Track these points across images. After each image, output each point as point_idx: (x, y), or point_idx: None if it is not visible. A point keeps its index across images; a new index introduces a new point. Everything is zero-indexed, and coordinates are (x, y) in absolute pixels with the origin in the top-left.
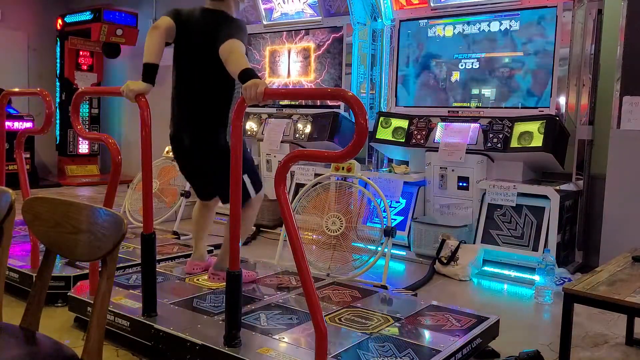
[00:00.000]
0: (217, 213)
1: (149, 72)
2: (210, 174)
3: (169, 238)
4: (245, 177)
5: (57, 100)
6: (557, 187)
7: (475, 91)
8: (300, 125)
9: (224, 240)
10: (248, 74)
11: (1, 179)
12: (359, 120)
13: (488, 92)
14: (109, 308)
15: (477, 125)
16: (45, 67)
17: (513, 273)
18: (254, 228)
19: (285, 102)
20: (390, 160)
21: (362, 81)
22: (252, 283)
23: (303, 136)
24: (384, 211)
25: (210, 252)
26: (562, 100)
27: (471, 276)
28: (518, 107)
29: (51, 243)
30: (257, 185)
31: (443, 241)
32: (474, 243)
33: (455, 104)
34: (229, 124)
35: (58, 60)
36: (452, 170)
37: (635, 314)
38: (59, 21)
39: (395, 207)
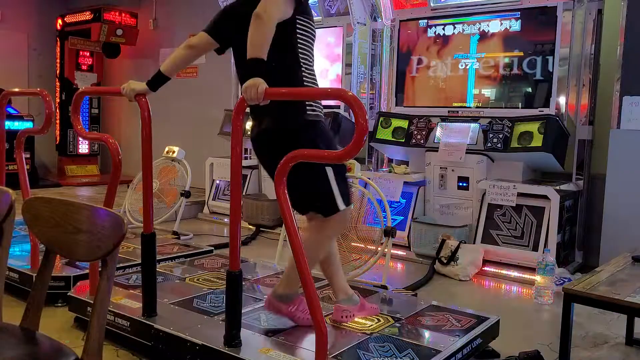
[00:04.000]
0: (216, 213)
1: (156, 79)
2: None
3: (169, 238)
4: (333, 181)
5: (57, 100)
6: (557, 187)
7: (475, 91)
8: None
9: (288, 268)
10: (255, 66)
11: (1, 179)
12: (359, 120)
13: (488, 92)
14: (109, 308)
15: (477, 125)
16: (45, 67)
17: (513, 273)
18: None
19: None
20: (390, 160)
21: (362, 81)
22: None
23: None
24: (384, 211)
25: (210, 252)
26: (562, 100)
27: (471, 276)
28: (518, 107)
29: (51, 243)
30: (347, 196)
31: (443, 241)
32: (474, 243)
33: (455, 104)
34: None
35: (58, 60)
36: (452, 170)
37: (635, 314)
38: (59, 21)
39: (395, 207)
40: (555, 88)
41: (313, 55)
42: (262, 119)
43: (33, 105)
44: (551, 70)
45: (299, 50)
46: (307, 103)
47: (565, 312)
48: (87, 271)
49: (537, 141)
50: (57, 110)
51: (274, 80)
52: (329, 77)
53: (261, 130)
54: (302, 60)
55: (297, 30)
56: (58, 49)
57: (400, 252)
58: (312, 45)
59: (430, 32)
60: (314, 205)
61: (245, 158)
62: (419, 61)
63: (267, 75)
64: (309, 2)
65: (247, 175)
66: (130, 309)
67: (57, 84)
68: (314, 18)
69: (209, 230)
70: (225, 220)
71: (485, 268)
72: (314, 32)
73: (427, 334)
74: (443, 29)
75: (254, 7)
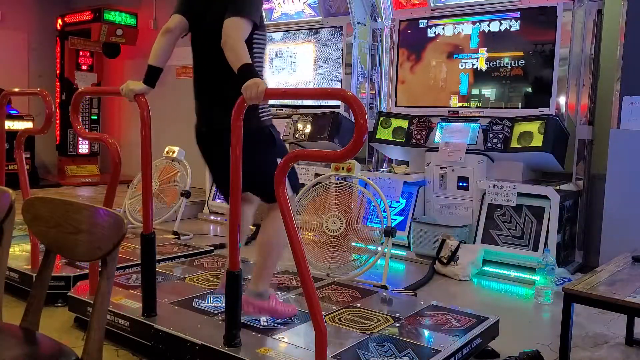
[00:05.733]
0: (216, 213)
1: (151, 75)
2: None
3: (169, 238)
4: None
5: (57, 100)
6: (557, 187)
7: (475, 91)
8: (300, 125)
9: (256, 261)
10: (247, 71)
11: (1, 179)
12: (359, 120)
13: (488, 92)
14: (109, 308)
15: (477, 125)
16: (45, 67)
17: (513, 273)
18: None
19: (285, 102)
20: (390, 160)
21: (362, 81)
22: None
23: (303, 136)
24: (384, 211)
25: (210, 252)
26: (562, 100)
27: (471, 276)
28: (518, 107)
29: (51, 243)
30: (294, 184)
31: (443, 241)
32: (474, 243)
33: (455, 104)
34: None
35: (58, 60)
36: (452, 170)
37: (635, 314)
38: (59, 21)
39: (395, 207)
40: (555, 88)
41: (264, 64)
42: (215, 119)
43: (33, 105)
44: (551, 70)
45: (255, 62)
46: (260, 109)
47: (565, 312)
48: (87, 271)
49: (537, 141)
50: (57, 110)
51: (234, 92)
52: None
53: (214, 130)
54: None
55: (254, 46)
56: (58, 49)
57: (400, 252)
58: (264, 55)
59: (430, 32)
60: (265, 192)
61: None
62: (419, 61)
63: (226, 86)
64: (309, 2)
65: None
66: (130, 309)
67: (57, 84)
68: (315, 18)
69: (209, 230)
70: (225, 220)
71: (485, 268)
72: (266, 44)
73: (427, 334)
74: (443, 28)
75: (219, 10)
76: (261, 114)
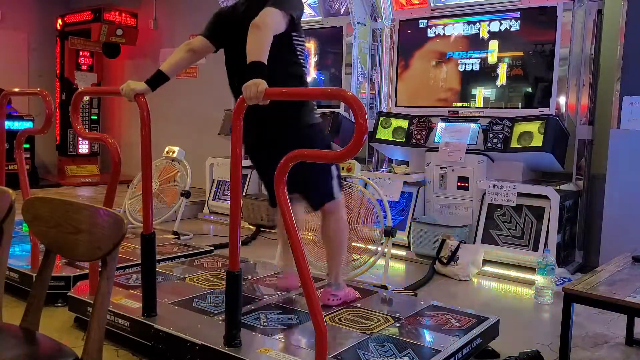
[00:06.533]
0: (216, 213)
1: (156, 78)
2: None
3: (169, 238)
4: (334, 169)
5: (57, 100)
6: (557, 187)
7: (475, 91)
8: None
9: (327, 256)
10: (257, 69)
11: (1, 179)
12: (359, 120)
13: (488, 92)
14: (109, 308)
15: (477, 125)
16: (45, 67)
17: (513, 273)
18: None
19: None
20: (390, 160)
21: (362, 81)
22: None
23: None
24: (384, 211)
25: (210, 252)
26: (562, 100)
27: (471, 276)
28: (518, 107)
29: (51, 243)
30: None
31: (443, 241)
32: (474, 243)
33: (455, 104)
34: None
35: (58, 60)
36: (452, 170)
37: (635, 314)
38: (59, 21)
39: (395, 207)
40: (555, 88)
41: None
42: (268, 121)
43: (33, 105)
44: (551, 70)
45: (300, 63)
46: (314, 106)
47: (565, 312)
48: (87, 271)
49: (537, 141)
50: (57, 110)
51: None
52: None
53: (272, 131)
54: (304, 73)
55: (296, 47)
56: (58, 49)
57: (400, 252)
58: (306, 58)
59: (430, 32)
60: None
61: (245, 158)
62: (419, 61)
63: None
64: (309, 2)
65: (247, 175)
66: (130, 309)
67: (57, 84)
68: (315, 18)
69: (208, 230)
70: (225, 220)
71: (485, 268)
72: (305, 47)
73: (427, 334)
74: (443, 29)
75: (254, 16)
76: (315, 112)
